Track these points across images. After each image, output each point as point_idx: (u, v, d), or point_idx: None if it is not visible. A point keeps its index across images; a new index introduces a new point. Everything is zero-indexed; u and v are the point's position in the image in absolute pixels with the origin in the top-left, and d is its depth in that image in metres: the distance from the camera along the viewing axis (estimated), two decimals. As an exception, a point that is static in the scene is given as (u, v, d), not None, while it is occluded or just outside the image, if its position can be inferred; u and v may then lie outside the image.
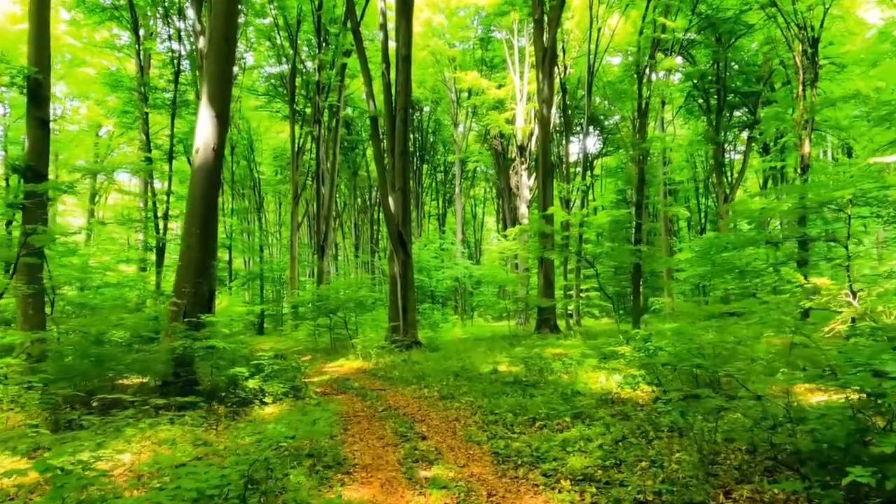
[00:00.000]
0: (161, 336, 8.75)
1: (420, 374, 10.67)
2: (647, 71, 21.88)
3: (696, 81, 27.79)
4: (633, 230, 21.60)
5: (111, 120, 30.83)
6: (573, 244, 21.82)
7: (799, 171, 22.14)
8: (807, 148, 21.02)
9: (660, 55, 22.25)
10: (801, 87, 21.86)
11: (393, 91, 17.73)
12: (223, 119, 8.77)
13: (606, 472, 4.49)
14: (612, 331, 18.31)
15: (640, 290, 20.27)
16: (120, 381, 8.52)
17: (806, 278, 7.39)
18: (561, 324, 20.24)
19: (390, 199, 17.25)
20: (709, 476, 4.20)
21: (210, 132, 8.63)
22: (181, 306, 8.28)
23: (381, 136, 18.69)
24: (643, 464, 4.44)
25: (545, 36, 20.24)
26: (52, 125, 29.97)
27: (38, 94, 9.02)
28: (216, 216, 8.91)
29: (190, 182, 8.84)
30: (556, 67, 22.29)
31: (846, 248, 9.30)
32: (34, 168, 8.79)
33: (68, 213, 39.70)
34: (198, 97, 18.85)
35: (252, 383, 7.42)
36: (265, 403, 7.39)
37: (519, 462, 4.89)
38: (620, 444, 5.04)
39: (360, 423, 6.75)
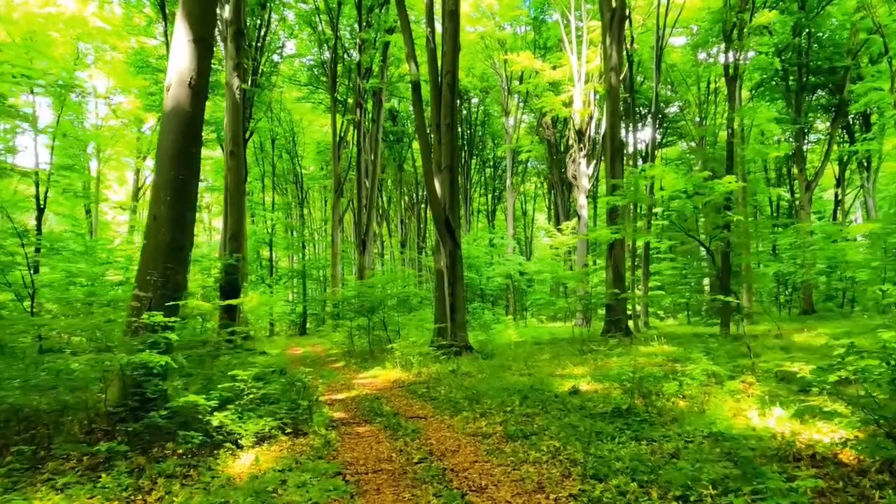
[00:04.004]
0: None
1: (473, 392, 8.03)
2: (737, 29, 18.59)
3: (773, 58, 24.46)
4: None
5: (153, 114, 29.57)
6: (641, 234, 18.83)
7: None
8: (918, 122, 17.64)
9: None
10: (912, 50, 18.53)
11: (438, 55, 15.28)
12: (205, 44, 6.32)
13: None
14: (692, 334, 15.32)
15: (730, 285, 17.24)
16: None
17: None
18: (631, 325, 17.38)
19: (436, 181, 14.73)
20: None
21: (185, 62, 6.22)
22: (144, 301, 5.94)
23: (427, 126, 16.24)
24: None
25: (613, -5, 17.40)
26: (97, 121, 28.46)
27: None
28: (194, 179, 6.50)
29: (159, 132, 6.53)
30: (623, 33, 19.31)
31: None
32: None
33: (116, 211, 39.29)
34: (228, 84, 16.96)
35: (220, 417, 4.92)
36: (241, 447, 4.90)
37: None
38: None
39: (378, 491, 4.12)
